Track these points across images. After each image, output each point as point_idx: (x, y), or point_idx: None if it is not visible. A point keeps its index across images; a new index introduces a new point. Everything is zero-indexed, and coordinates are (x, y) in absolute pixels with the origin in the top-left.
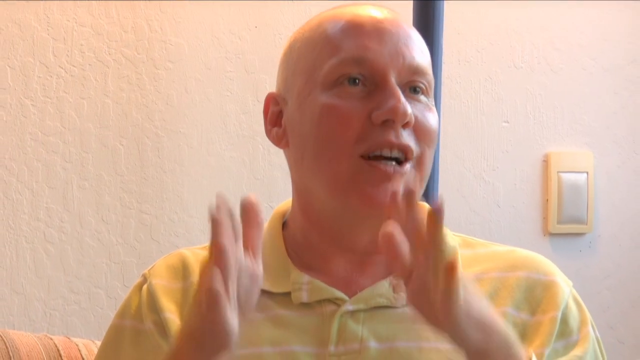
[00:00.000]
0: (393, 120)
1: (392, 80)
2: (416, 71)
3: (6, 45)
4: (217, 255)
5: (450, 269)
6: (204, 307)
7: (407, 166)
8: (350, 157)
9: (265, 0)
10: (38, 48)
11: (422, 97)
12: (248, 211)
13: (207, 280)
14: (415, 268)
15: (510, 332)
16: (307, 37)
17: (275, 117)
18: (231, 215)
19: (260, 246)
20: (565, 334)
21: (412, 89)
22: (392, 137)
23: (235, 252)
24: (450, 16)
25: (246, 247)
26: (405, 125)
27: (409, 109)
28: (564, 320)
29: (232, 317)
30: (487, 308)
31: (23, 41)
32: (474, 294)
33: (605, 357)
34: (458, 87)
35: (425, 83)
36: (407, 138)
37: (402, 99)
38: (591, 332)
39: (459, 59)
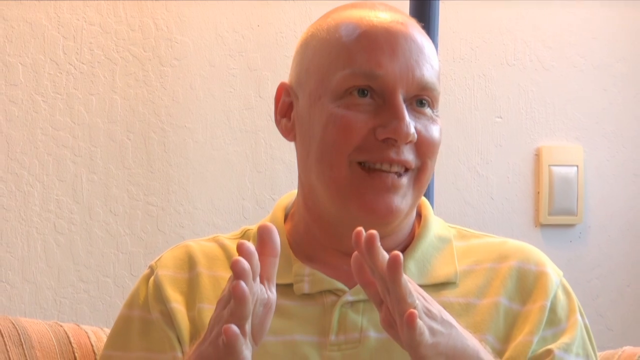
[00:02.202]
0: (395, 139)
1: (400, 97)
2: (424, 87)
3: (18, 43)
4: (237, 297)
5: (409, 321)
6: (221, 344)
7: (405, 178)
8: (350, 163)
9: (267, 0)
10: (49, 46)
11: (428, 110)
12: (265, 241)
13: (225, 316)
14: (385, 300)
15: (482, 351)
16: (324, 39)
17: (286, 108)
18: (252, 255)
19: (274, 274)
20: (554, 322)
21: (419, 102)
22: (392, 155)
23: (253, 288)
24: (446, 15)
25: (261, 275)
26: (407, 143)
27: (411, 129)
28: (553, 309)
29: (247, 352)
30: (457, 338)
31: (34, 39)
32: (442, 331)
33: (594, 344)
34: (453, 84)
35: (432, 97)
36: (407, 154)
37: (407, 119)
38: (579, 319)
39: (453, 57)
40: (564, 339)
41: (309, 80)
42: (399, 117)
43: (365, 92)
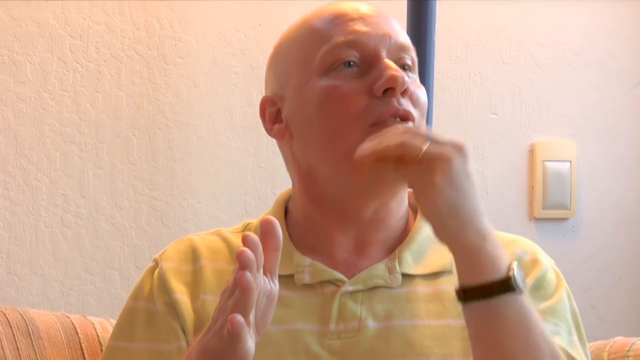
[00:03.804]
0: (393, 88)
1: (384, 56)
2: (403, 48)
3: (26, 42)
4: (242, 287)
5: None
6: (226, 334)
7: (410, 123)
8: (358, 129)
9: (269, 0)
10: (56, 45)
11: (410, 74)
12: (268, 235)
13: (230, 306)
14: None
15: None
16: (294, 36)
17: (274, 115)
18: (257, 246)
19: (277, 267)
20: (537, 298)
21: (401, 67)
22: (395, 104)
23: (257, 279)
24: (442, 14)
25: (264, 268)
26: (403, 94)
27: (406, 76)
28: (538, 287)
29: (251, 342)
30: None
31: (42, 38)
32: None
33: (582, 328)
34: (449, 81)
35: (412, 59)
36: (407, 105)
37: (399, 69)
38: (564, 297)
39: (450, 55)
40: (542, 307)
41: (291, 76)
42: (390, 67)
43: (351, 63)
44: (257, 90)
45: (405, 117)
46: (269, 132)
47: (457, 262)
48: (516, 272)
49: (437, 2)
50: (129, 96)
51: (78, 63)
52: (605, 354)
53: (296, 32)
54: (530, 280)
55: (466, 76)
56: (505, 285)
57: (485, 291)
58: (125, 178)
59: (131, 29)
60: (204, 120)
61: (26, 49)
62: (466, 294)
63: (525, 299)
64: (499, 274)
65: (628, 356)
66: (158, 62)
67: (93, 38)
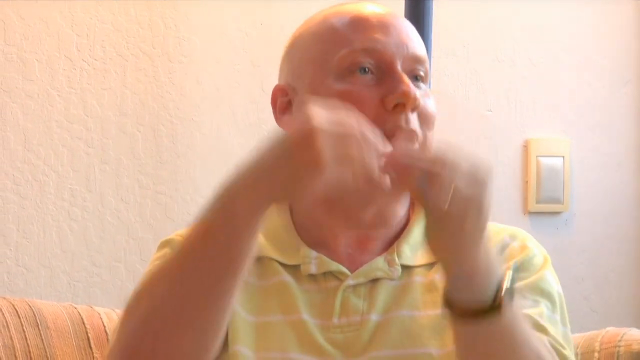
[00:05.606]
0: (404, 103)
1: (399, 68)
2: (417, 60)
3: (34, 40)
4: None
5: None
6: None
7: (416, 147)
8: None
9: (270, 0)
10: (63, 43)
11: (422, 85)
12: None
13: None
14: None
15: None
16: (314, 32)
17: (285, 106)
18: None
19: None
20: (521, 279)
21: (414, 77)
22: (402, 122)
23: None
24: (439, 13)
25: None
26: (413, 109)
27: (418, 93)
28: (523, 268)
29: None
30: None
31: (49, 37)
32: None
33: (566, 314)
34: (446, 79)
35: (425, 71)
36: (414, 123)
37: (411, 84)
38: (548, 277)
39: (447, 54)
40: (523, 283)
41: (307, 71)
42: (403, 82)
43: (366, 69)
44: (259, 88)
45: (409, 136)
46: (278, 121)
47: (447, 277)
48: (505, 289)
49: (434, 1)
50: (134, 93)
51: (84, 61)
52: (597, 344)
53: (316, 28)
54: (517, 262)
55: (462, 74)
56: (496, 307)
57: (476, 313)
58: (131, 173)
59: (136, 28)
60: (207, 117)
61: (34, 48)
62: (453, 309)
63: (514, 307)
64: (491, 294)
65: (619, 346)
66: (162, 61)
67: (99, 37)
